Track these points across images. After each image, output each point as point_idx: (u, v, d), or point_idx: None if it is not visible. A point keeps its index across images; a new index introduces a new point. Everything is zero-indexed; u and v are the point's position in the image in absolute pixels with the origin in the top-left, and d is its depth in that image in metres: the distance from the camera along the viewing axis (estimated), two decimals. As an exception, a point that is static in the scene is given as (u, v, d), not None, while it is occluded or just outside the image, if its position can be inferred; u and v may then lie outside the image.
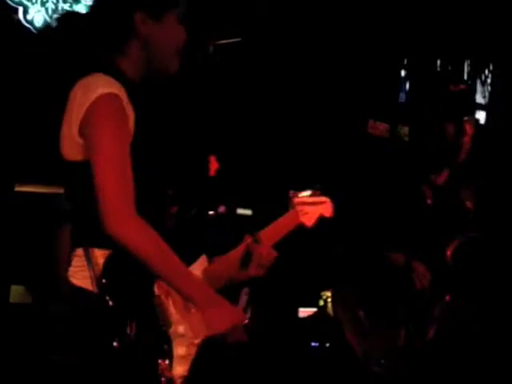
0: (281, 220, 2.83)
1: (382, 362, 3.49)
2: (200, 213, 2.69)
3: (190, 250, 2.55)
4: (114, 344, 2.26)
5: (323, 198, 2.89)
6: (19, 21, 6.90)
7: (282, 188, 7.85)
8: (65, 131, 2.43)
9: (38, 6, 6.96)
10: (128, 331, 2.27)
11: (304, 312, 7.56)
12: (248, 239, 2.64)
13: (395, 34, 7.75)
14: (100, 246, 2.33)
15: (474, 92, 4.51)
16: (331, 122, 7.59)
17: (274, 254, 2.68)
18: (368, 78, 7.66)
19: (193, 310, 2.41)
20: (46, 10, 6.98)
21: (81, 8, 7.03)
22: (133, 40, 2.50)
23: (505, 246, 3.63)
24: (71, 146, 2.41)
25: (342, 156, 7.36)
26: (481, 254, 3.55)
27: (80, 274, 2.36)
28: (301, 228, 2.88)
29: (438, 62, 8.15)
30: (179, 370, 2.38)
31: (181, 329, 2.41)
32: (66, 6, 7.04)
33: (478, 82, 8.34)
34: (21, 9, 6.91)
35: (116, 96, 2.37)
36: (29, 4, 6.93)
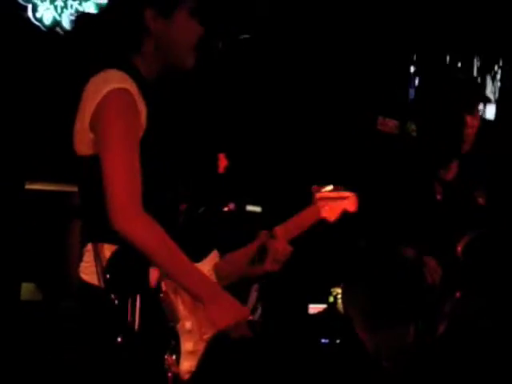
0: (300, 215, 2.80)
1: (393, 357, 3.48)
2: (209, 210, 2.69)
3: (201, 246, 2.55)
4: (118, 339, 2.27)
5: (346, 193, 2.86)
6: (28, 19, 6.92)
7: (291, 185, 7.86)
8: (77, 126, 2.43)
9: (47, 3, 6.98)
10: (132, 327, 2.28)
11: (314, 308, 7.56)
12: (264, 234, 2.64)
13: (404, 30, 7.73)
14: (109, 241, 2.34)
15: (482, 85, 4.51)
16: (340, 119, 7.59)
17: (290, 249, 2.67)
18: (377, 74, 7.65)
19: (201, 306, 2.42)
20: (55, 7, 7.00)
21: (90, 5, 7.05)
22: (146, 38, 2.51)
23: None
24: (82, 141, 2.42)
25: (352, 153, 7.36)
26: (492, 250, 3.54)
27: (89, 270, 2.37)
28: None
29: (448, 58, 8.13)
30: (187, 365, 2.38)
31: (188, 324, 2.41)
32: (76, 4, 7.05)
33: (488, 77, 8.31)
34: (30, 6, 6.93)
35: (127, 91, 2.38)
36: (38, 2, 6.94)
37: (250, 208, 7.39)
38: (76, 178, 2.48)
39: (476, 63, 8.29)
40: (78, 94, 2.44)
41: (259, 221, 7.16)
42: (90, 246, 2.39)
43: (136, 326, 2.29)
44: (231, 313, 2.41)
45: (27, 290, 7.36)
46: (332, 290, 7.37)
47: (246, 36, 2.55)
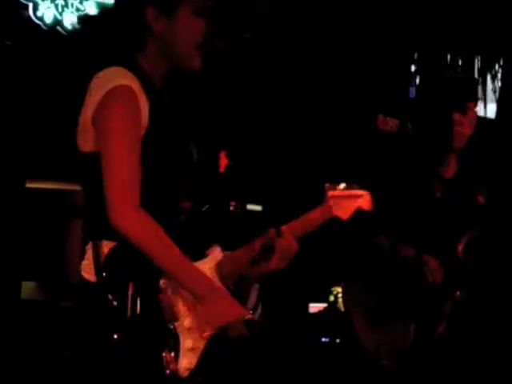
0: (310, 213, 2.77)
1: (393, 356, 3.48)
2: (214, 208, 2.69)
3: (204, 244, 2.55)
4: (114, 336, 2.28)
5: (360, 192, 2.85)
6: (29, 17, 6.92)
7: (292, 184, 7.85)
8: (81, 123, 2.44)
9: (47, 2, 6.98)
10: (128, 324, 2.29)
11: (314, 307, 7.56)
12: (271, 232, 2.64)
13: (405, 29, 7.73)
14: (108, 238, 2.35)
15: (476, 84, 4.52)
16: (341, 118, 7.59)
17: (296, 247, 2.66)
18: (378, 73, 7.65)
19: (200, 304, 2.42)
20: (56, 6, 7.00)
21: (90, 4, 7.05)
22: (149, 37, 2.50)
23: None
24: (85, 138, 2.42)
25: (352, 151, 7.35)
26: (492, 249, 3.54)
27: (89, 268, 2.38)
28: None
29: (449, 57, 8.13)
30: (186, 362, 2.38)
31: (188, 322, 2.41)
32: (76, 3, 7.05)
33: (489, 76, 8.31)
34: (31, 5, 6.93)
35: (129, 88, 2.38)
36: (39, 1, 6.94)
37: (250, 207, 7.39)
38: (79, 175, 2.49)
39: (477, 62, 8.29)
40: (82, 92, 2.45)
41: (260, 220, 7.16)
42: (90, 244, 2.40)
43: (132, 323, 2.29)
44: (227, 311, 2.41)
45: (27, 288, 7.37)
46: (332, 289, 7.37)
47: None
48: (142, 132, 2.40)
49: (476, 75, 8.18)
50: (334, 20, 7.48)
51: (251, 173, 7.13)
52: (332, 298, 7.49)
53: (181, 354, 2.38)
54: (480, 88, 8.11)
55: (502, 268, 3.59)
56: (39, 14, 6.94)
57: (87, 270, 2.39)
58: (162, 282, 2.38)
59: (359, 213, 2.80)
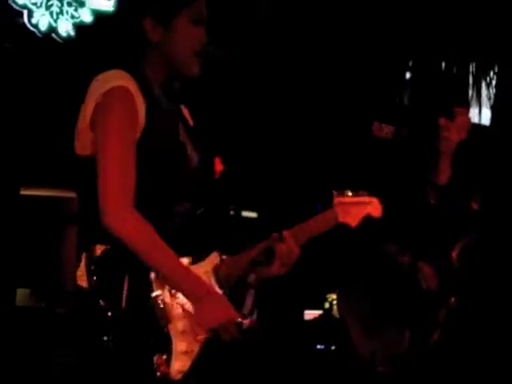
0: (315, 219, 2.75)
1: (388, 363, 3.48)
2: (212, 211, 2.68)
3: (202, 247, 2.54)
4: (104, 339, 2.29)
5: (369, 199, 2.83)
6: (24, 24, 6.92)
7: (287, 190, 7.83)
8: (79, 126, 2.46)
9: (42, 9, 6.98)
10: (118, 327, 2.29)
11: (310, 314, 7.56)
12: (273, 237, 2.63)
13: (400, 36, 7.75)
14: (101, 242, 2.36)
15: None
16: (336, 125, 7.59)
17: (297, 252, 2.64)
18: (373, 80, 7.66)
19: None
20: (51, 13, 7.00)
21: (85, 12, 7.05)
22: (148, 47, 2.53)
23: (510, 247, 3.63)
24: (83, 140, 2.44)
25: (347, 158, 7.36)
26: (486, 256, 3.54)
27: (84, 276, 2.38)
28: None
29: (443, 64, 8.14)
30: (178, 365, 2.38)
31: (181, 325, 2.41)
32: (71, 10, 7.05)
33: (484, 83, 8.33)
34: (25, 12, 6.93)
35: (125, 89, 2.40)
36: (33, 8, 6.94)
37: (245, 214, 7.39)
38: (75, 179, 2.50)
39: (471, 69, 8.31)
40: (82, 96, 2.47)
41: (255, 226, 7.16)
42: (85, 254, 2.41)
43: (122, 326, 2.29)
44: (219, 314, 2.40)
45: (22, 295, 7.36)
46: (327, 295, 7.37)
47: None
48: (138, 133, 2.41)
49: (471, 82, 8.20)
50: (330, 28, 7.49)
51: (247, 179, 7.13)
52: (327, 305, 7.48)
53: (173, 356, 2.37)
54: (475, 95, 8.13)
55: (496, 274, 3.59)
56: (34, 21, 6.94)
57: (82, 279, 2.39)
58: (154, 284, 2.38)
59: (368, 220, 2.79)
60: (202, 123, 2.77)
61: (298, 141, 7.66)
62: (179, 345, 2.39)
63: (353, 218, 2.76)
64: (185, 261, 2.46)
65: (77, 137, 2.46)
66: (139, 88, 2.45)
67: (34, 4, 6.94)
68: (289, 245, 2.60)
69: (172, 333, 2.39)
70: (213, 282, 2.53)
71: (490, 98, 8.22)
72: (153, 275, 2.38)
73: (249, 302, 2.57)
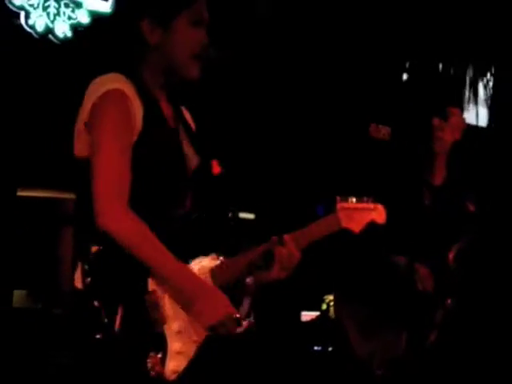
0: (317, 223, 2.73)
1: (385, 365, 3.48)
2: (208, 214, 2.67)
3: (199, 249, 2.54)
4: (98, 336, 2.29)
5: (374, 205, 2.82)
6: (21, 25, 6.92)
7: (285, 192, 7.83)
8: (77, 128, 2.48)
9: (39, 10, 6.97)
10: (111, 327, 2.29)
11: (307, 316, 7.56)
12: (272, 240, 2.62)
13: (397, 38, 7.75)
14: (97, 243, 2.37)
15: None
16: (333, 126, 7.59)
17: (297, 256, 2.63)
18: (370, 81, 7.66)
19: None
20: (48, 14, 6.99)
21: (82, 13, 7.05)
22: (146, 49, 2.53)
23: (507, 248, 3.63)
24: (81, 142, 2.46)
25: (345, 159, 7.36)
26: (483, 257, 3.54)
27: (80, 278, 2.38)
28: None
29: (441, 65, 8.15)
30: (173, 365, 2.38)
31: (176, 325, 2.41)
32: (68, 11, 7.05)
33: (481, 85, 8.34)
34: (22, 13, 6.93)
35: (120, 92, 2.41)
36: (30, 9, 6.94)
37: (243, 215, 7.38)
38: (73, 181, 2.51)
39: (469, 71, 8.32)
40: (79, 97, 2.49)
41: (252, 228, 7.16)
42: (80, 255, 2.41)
43: (115, 327, 2.30)
44: (218, 310, 2.40)
45: (19, 297, 7.35)
46: (325, 297, 7.37)
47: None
48: (135, 136, 2.42)
49: (468, 84, 8.20)
50: (327, 29, 7.49)
51: (244, 181, 7.12)
52: (324, 307, 7.48)
53: (168, 356, 2.37)
54: (472, 96, 8.14)
55: (493, 276, 3.59)
56: (31, 22, 6.93)
57: (79, 281, 2.39)
58: (150, 284, 2.38)
59: (372, 226, 2.78)
60: (200, 124, 2.77)
61: (296, 141, 7.66)
62: (174, 345, 2.39)
63: (356, 224, 2.75)
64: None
65: (75, 138, 2.48)
66: (137, 91, 2.46)
67: (31, 5, 6.94)
68: (289, 248, 2.59)
69: (167, 333, 2.39)
70: (209, 283, 2.53)
71: (487, 100, 8.23)
72: (147, 276, 2.38)
73: (246, 304, 2.56)
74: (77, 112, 2.49)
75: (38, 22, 6.97)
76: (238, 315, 2.43)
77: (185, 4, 2.54)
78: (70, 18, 7.04)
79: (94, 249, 2.37)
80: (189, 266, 2.48)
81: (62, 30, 7.02)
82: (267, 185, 7.71)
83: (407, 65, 8.18)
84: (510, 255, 3.65)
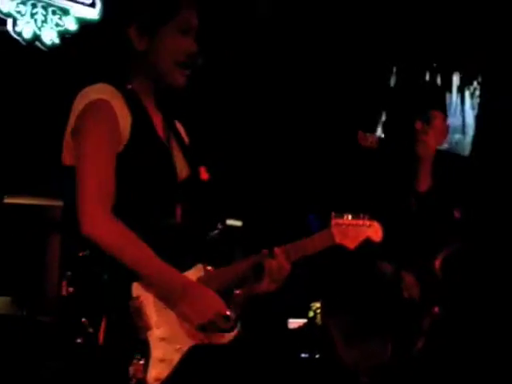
0: (311, 238, 2.75)
1: (371, 373, 3.48)
2: (193, 224, 2.67)
3: (186, 258, 2.54)
4: (80, 342, 2.30)
5: (369, 222, 2.83)
6: (8, 32, 6.90)
7: (272, 199, 7.82)
8: (65, 137, 2.50)
9: (27, 17, 6.96)
10: (95, 332, 2.30)
11: (294, 323, 7.55)
12: (263, 252, 2.62)
13: (384, 45, 7.77)
14: (82, 250, 2.38)
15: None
16: (321, 133, 7.60)
17: (287, 269, 2.64)
18: (357, 89, 7.68)
19: (175, 314, 2.42)
20: (35, 21, 6.97)
21: (70, 20, 7.03)
22: (136, 56, 2.54)
23: (492, 255, 3.64)
24: (68, 151, 2.49)
25: (333, 167, 7.37)
26: (469, 265, 3.55)
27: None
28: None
29: (428, 73, 8.18)
30: (155, 372, 2.38)
31: (160, 332, 2.40)
32: (56, 18, 7.03)
33: (467, 93, 8.37)
34: (10, 20, 6.90)
35: (104, 102, 2.43)
36: (18, 16, 6.92)
37: (230, 222, 7.37)
38: (61, 188, 2.53)
39: (455, 79, 8.35)
40: (66, 104, 2.51)
41: (240, 235, 7.15)
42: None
43: (99, 334, 2.30)
44: (207, 310, 2.41)
45: (3, 303, 7.31)
46: (312, 304, 7.36)
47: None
48: (122, 145, 2.43)
49: (455, 92, 8.24)
50: (313, 35, 7.50)
51: (232, 188, 7.12)
52: (311, 314, 7.47)
53: (151, 363, 2.37)
54: (459, 104, 8.17)
55: (479, 283, 3.60)
56: (18, 29, 6.91)
57: (65, 288, 2.40)
58: (134, 290, 2.38)
59: (368, 243, 2.79)
60: (190, 132, 2.78)
61: (284, 149, 7.66)
62: (157, 352, 2.39)
63: (351, 241, 2.76)
64: None
65: (64, 147, 2.51)
66: (125, 100, 2.46)
67: (19, 12, 6.92)
68: (279, 261, 2.60)
69: (151, 339, 2.39)
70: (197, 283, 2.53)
71: (473, 108, 8.26)
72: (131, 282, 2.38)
73: (233, 315, 2.56)
74: (64, 119, 2.51)
75: (26, 28, 6.94)
76: (228, 312, 2.43)
77: (171, 12, 2.55)
78: (57, 24, 7.02)
79: (79, 255, 2.38)
80: None
81: (50, 37, 7.01)
82: (255, 192, 7.71)
83: (394, 70, 8.20)
84: (495, 263, 3.66)
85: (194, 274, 2.55)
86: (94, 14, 7.08)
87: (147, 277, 2.38)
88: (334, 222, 2.76)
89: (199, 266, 2.57)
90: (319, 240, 2.73)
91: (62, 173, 2.51)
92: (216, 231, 2.84)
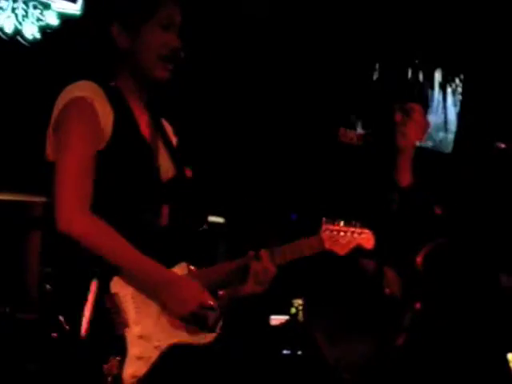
0: (299, 242, 2.75)
1: (353, 370, 3.49)
2: (176, 223, 2.67)
3: (168, 257, 2.53)
4: (56, 338, 2.30)
5: (360, 229, 2.82)
6: (-12, 28, 6.86)
7: (255, 196, 7.83)
8: (48, 134, 2.52)
9: (8, 12, 6.92)
10: (73, 328, 2.29)
11: (276, 320, 7.55)
12: (250, 254, 2.62)
13: (367, 43, 7.78)
14: (62, 246, 2.38)
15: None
16: (303, 130, 7.60)
17: (273, 272, 2.64)
18: (339, 85, 7.68)
19: (164, 315, 2.41)
20: (16, 16, 6.94)
21: (51, 14, 7.00)
22: (118, 53, 2.54)
23: (474, 251, 3.65)
24: (51, 147, 2.50)
25: (315, 164, 7.37)
26: (451, 260, 3.56)
27: None
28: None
29: (410, 70, 8.20)
30: (132, 369, 2.37)
31: (138, 329, 2.40)
32: (37, 13, 7.00)
33: (449, 90, 8.39)
34: (-10, 15, 6.87)
35: (83, 99, 2.43)
36: (-1, 10, 6.89)
37: (212, 219, 7.37)
38: (45, 184, 2.53)
39: (437, 76, 8.37)
40: (48, 99, 2.52)
41: (222, 232, 7.14)
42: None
43: (76, 330, 2.30)
44: (188, 301, 2.40)
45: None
46: (294, 301, 7.37)
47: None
48: (103, 143, 2.43)
49: (437, 89, 8.26)
50: (296, 32, 7.50)
51: (214, 184, 7.11)
52: (293, 310, 7.48)
53: (127, 360, 2.37)
54: (441, 101, 8.20)
55: (460, 280, 3.61)
56: (-1, 23, 6.89)
57: (46, 286, 2.40)
58: (112, 287, 2.37)
59: (359, 250, 2.79)
60: (177, 130, 2.78)
61: (266, 146, 7.66)
62: (133, 349, 2.39)
63: (342, 247, 2.76)
64: None
65: (47, 143, 2.53)
66: (108, 98, 2.46)
67: (0, 7, 6.88)
68: (265, 264, 2.60)
69: (128, 336, 2.38)
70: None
71: (455, 106, 8.29)
72: (113, 278, 2.38)
73: (216, 305, 2.55)
74: (46, 114, 2.52)
75: (7, 23, 6.91)
76: (211, 302, 2.43)
77: (153, 9, 2.54)
78: (38, 19, 6.99)
79: (59, 252, 2.38)
80: None
81: (31, 31, 6.97)
82: (237, 188, 7.70)
83: (377, 67, 8.21)
84: (476, 259, 3.67)
85: (177, 271, 2.55)
86: (75, 8, 7.05)
87: (128, 270, 2.38)
88: (324, 227, 2.75)
89: (183, 265, 2.57)
90: (307, 245, 2.74)
91: (45, 168, 2.51)
92: (201, 230, 2.84)
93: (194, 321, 2.44)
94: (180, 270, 2.55)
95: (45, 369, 2.37)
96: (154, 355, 2.41)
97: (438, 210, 3.53)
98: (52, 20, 7.00)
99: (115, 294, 2.37)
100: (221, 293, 2.59)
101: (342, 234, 2.76)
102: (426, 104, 3.69)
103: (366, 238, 2.82)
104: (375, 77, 8.16)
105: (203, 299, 2.44)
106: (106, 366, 2.32)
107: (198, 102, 7.14)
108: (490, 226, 3.74)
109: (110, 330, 2.35)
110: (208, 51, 6.84)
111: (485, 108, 7.73)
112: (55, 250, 2.41)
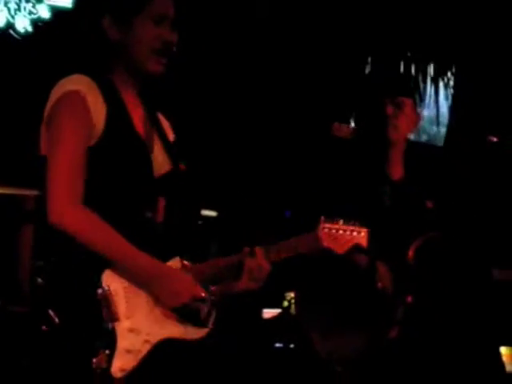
0: (296, 239, 2.72)
1: (345, 363, 3.50)
2: (170, 218, 2.67)
3: (161, 252, 2.53)
4: (43, 328, 2.30)
5: (359, 228, 2.81)
6: (-20, 21, 6.84)
7: (248, 189, 7.82)
8: (41, 128, 2.51)
9: (0, 5, 6.90)
10: (62, 320, 2.30)
11: (268, 313, 7.55)
12: (245, 251, 2.62)
13: (359, 36, 7.78)
14: (54, 240, 2.39)
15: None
16: (296, 124, 7.60)
17: (267, 269, 2.63)
18: (331, 79, 7.69)
19: (156, 310, 2.41)
20: (9, 9, 6.92)
21: (43, 8, 6.98)
22: (111, 47, 2.54)
23: (466, 245, 3.66)
24: (43, 141, 2.50)
25: (308, 158, 7.38)
26: (442, 254, 3.57)
27: None
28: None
29: (402, 63, 8.20)
30: (120, 363, 2.37)
31: (129, 323, 2.40)
32: (29, 6, 6.98)
33: (441, 84, 8.40)
34: (-18, 9, 6.85)
35: (76, 94, 2.43)
36: (-9, 4, 6.87)
37: (205, 212, 7.36)
38: (39, 178, 2.53)
39: (430, 69, 8.38)
40: (40, 94, 2.52)
41: (215, 226, 7.14)
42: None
43: (65, 322, 2.30)
44: (180, 293, 2.41)
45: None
46: (286, 294, 7.37)
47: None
48: (96, 137, 2.43)
49: (429, 82, 8.27)
50: (287, 25, 7.49)
51: (207, 178, 7.11)
52: (286, 304, 7.48)
53: (116, 354, 2.37)
54: (433, 94, 8.22)
55: (452, 273, 3.62)
56: (-9, 17, 6.86)
57: (38, 279, 2.40)
58: (103, 281, 2.37)
59: (357, 249, 2.78)
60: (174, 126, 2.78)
61: (259, 140, 7.66)
62: (123, 343, 2.38)
63: (340, 246, 2.74)
64: None
65: (41, 137, 2.51)
66: (101, 92, 2.46)
67: (-8, 1, 6.87)
68: (259, 260, 2.60)
69: (118, 330, 2.38)
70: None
71: (447, 99, 8.30)
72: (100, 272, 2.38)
73: (208, 297, 2.56)
74: (39, 108, 2.52)
75: (-1, 17, 6.90)
76: (203, 294, 2.43)
77: (145, 1, 2.54)
78: (30, 12, 6.97)
79: (51, 245, 2.38)
80: None
81: (23, 24, 6.95)
82: (230, 182, 7.70)
83: (369, 60, 8.21)
84: (468, 253, 3.68)
85: (171, 265, 2.55)
86: (67, 1, 7.03)
87: (120, 261, 2.38)
88: (322, 225, 2.74)
89: (176, 259, 2.57)
90: (304, 243, 2.72)
91: (38, 162, 2.51)
92: (195, 227, 2.84)
93: (187, 313, 2.45)
94: (173, 264, 2.55)
95: (35, 362, 2.38)
96: (144, 349, 2.41)
97: (429, 204, 3.54)
98: (44, 13, 6.98)
99: (106, 287, 2.37)
100: (213, 288, 2.59)
101: (341, 232, 2.75)
102: (418, 97, 3.71)
103: (364, 236, 2.81)
104: (367, 70, 8.17)
105: (196, 292, 2.44)
106: (95, 360, 2.32)
107: (192, 97, 7.13)
108: (481, 219, 3.75)
109: (100, 324, 2.36)
110: (203, 44, 6.84)
111: (477, 101, 7.73)
112: (47, 244, 2.41)
